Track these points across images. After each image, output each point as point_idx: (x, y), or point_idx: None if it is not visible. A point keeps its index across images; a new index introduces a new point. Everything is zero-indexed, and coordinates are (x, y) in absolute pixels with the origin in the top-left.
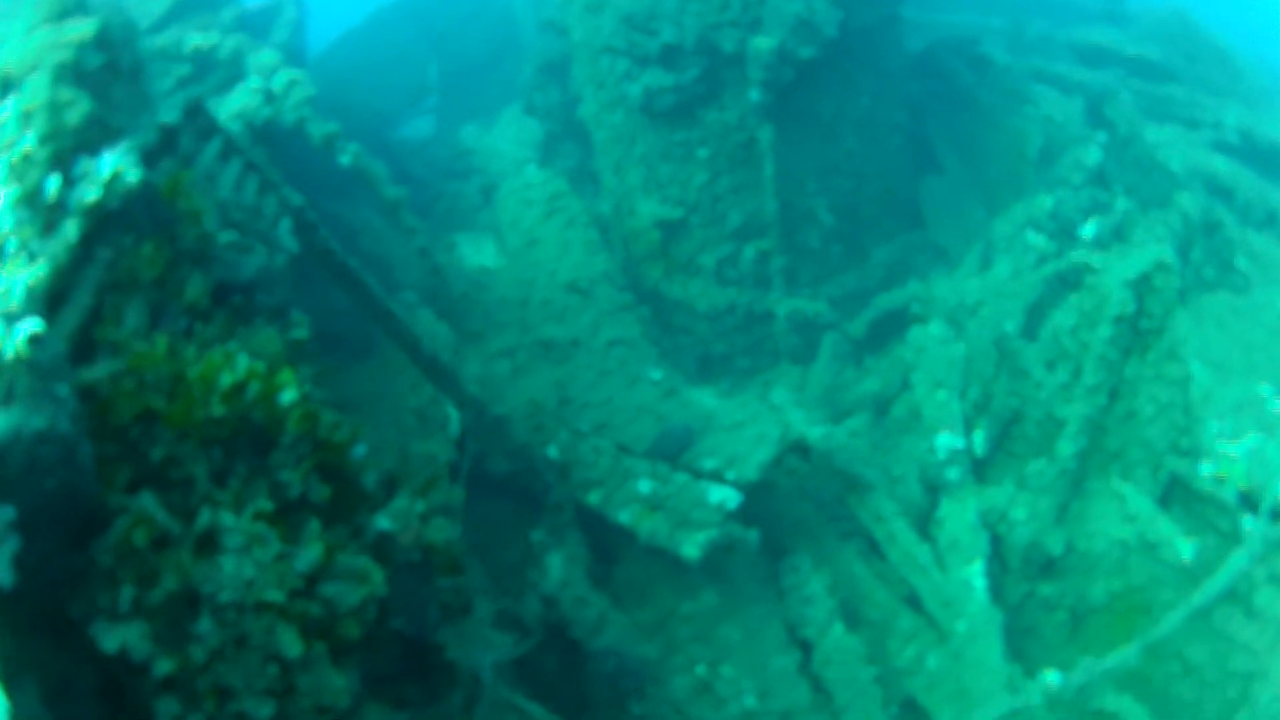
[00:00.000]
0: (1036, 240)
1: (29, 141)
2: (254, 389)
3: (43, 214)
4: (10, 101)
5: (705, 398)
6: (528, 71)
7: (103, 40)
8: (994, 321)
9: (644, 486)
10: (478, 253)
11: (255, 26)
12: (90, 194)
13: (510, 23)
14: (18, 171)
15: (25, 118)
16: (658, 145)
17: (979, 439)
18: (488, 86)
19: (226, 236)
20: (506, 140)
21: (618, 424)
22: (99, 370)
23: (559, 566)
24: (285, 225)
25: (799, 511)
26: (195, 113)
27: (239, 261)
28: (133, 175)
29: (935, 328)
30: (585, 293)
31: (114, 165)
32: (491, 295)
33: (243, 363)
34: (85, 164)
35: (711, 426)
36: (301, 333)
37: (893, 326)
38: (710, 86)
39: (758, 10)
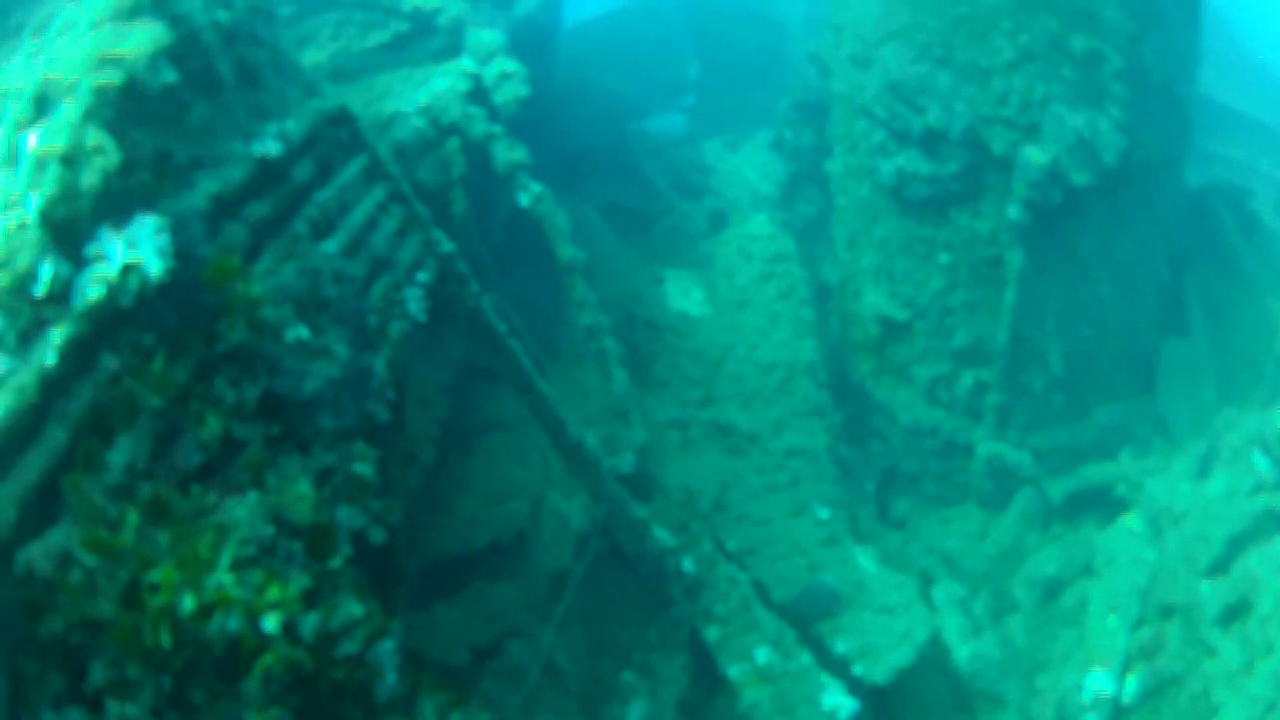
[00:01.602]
0: (1261, 464)
1: (29, 207)
2: (226, 624)
3: (28, 313)
4: (35, 134)
5: (865, 560)
6: (784, 105)
7: (183, 49)
8: (1190, 552)
9: (762, 655)
10: (684, 295)
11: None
12: (91, 291)
13: (781, 37)
14: (7, 250)
15: (39, 167)
16: (899, 234)
17: (1130, 686)
18: (747, 99)
19: (295, 333)
20: (750, 167)
21: (766, 557)
22: (46, 547)
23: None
24: (415, 292)
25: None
26: (339, 121)
27: (303, 370)
28: (155, 267)
29: (1134, 522)
30: (781, 382)
31: (129, 253)
32: (686, 345)
33: (217, 579)
34: (103, 241)
35: (861, 598)
36: (366, 468)
37: (1092, 499)
38: (969, 186)
39: (1037, 114)
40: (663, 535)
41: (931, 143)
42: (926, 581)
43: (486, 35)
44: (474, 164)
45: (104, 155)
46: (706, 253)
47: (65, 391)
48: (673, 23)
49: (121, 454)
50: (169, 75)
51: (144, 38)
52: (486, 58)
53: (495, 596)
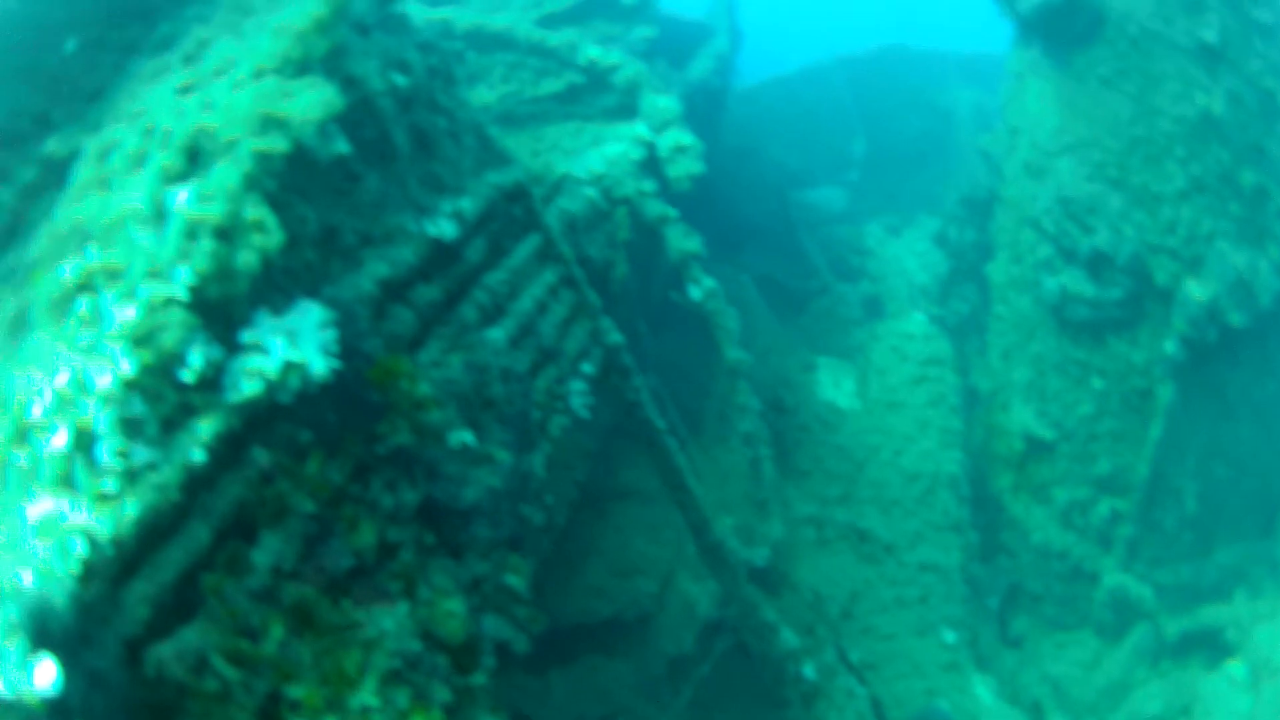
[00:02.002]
0: None
1: (178, 281)
2: None
3: (173, 398)
4: (185, 192)
5: (983, 690)
6: (951, 200)
7: (357, 115)
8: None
9: None
10: (835, 386)
11: (678, 47)
12: (246, 386)
13: (948, 122)
14: (150, 325)
15: (189, 235)
16: (1054, 353)
17: None
18: (910, 180)
19: (459, 437)
20: (911, 255)
21: (886, 674)
22: (179, 648)
23: None
24: (579, 386)
25: None
26: (515, 197)
27: (463, 477)
28: (318, 366)
29: (1238, 669)
30: (923, 493)
31: (292, 350)
32: (832, 439)
33: (362, 700)
34: (261, 329)
35: None
36: (518, 581)
37: (1204, 640)
38: (1129, 314)
39: (1202, 247)
40: (789, 638)
41: (1097, 265)
42: (1037, 714)
43: (663, 101)
44: (637, 228)
45: (264, 234)
46: (860, 342)
47: (210, 486)
48: (841, 95)
49: (267, 554)
50: (340, 145)
51: (314, 101)
52: (662, 125)
53: (610, 673)
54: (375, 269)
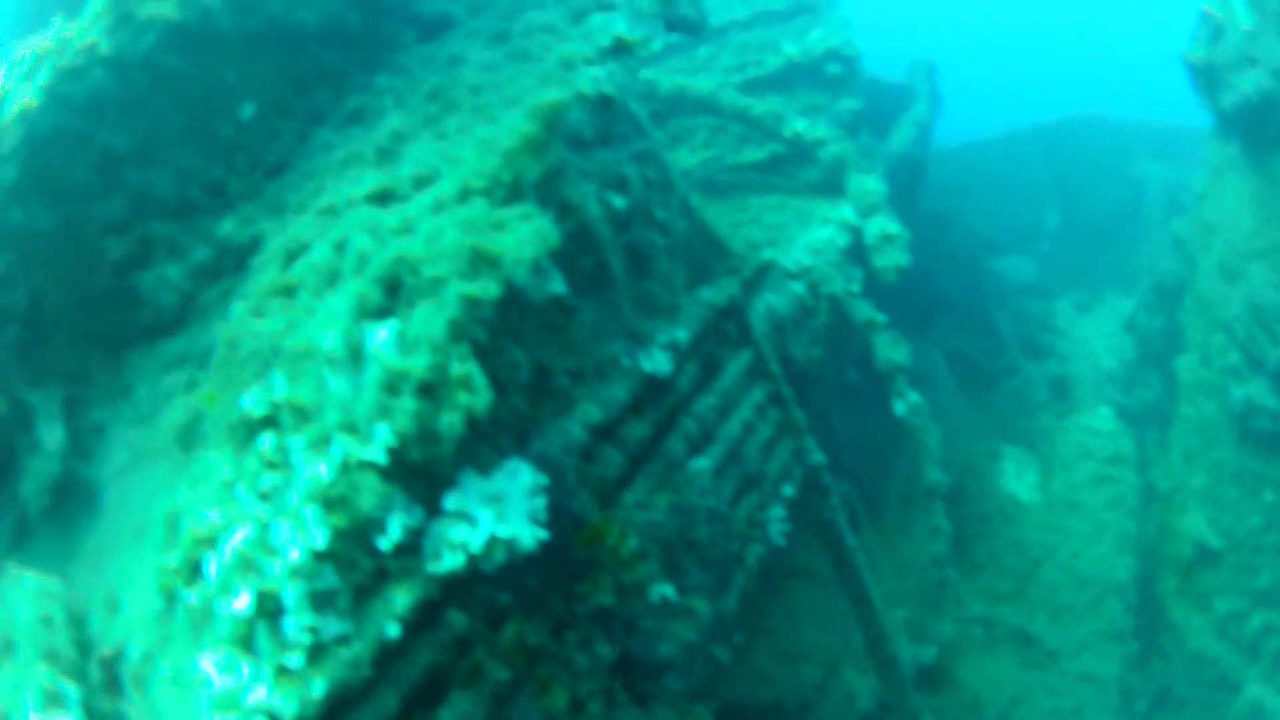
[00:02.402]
0: None
1: (377, 441)
2: None
3: (367, 565)
4: (385, 333)
5: None
6: (1142, 283)
7: (574, 246)
8: None
9: None
10: (1018, 478)
11: (880, 110)
12: (448, 559)
13: (1140, 195)
14: (344, 488)
15: (389, 388)
16: (1233, 462)
17: None
18: (1100, 254)
19: (659, 591)
20: (1099, 337)
21: None
22: None
23: None
24: (778, 513)
25: None
26: (729, 313)
27: (660, 632)
28: (526, 538)
29: None
30: (1093, 599)
31: (499, 524)
32: (1010, 533)
33: None
34: (467, 494)
35: None
36: None
37: None
38: None
39: None
40: None
41: None
42: None
43: (870, 183)
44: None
45: (471, 393)
46: (1045, 427)
47: (403, 654)
48: (1036, 164)
49: (454, 715)
50: (556, 285)
51: (527, 236)
52: (868, 209)
53: None
54: (587, 412)
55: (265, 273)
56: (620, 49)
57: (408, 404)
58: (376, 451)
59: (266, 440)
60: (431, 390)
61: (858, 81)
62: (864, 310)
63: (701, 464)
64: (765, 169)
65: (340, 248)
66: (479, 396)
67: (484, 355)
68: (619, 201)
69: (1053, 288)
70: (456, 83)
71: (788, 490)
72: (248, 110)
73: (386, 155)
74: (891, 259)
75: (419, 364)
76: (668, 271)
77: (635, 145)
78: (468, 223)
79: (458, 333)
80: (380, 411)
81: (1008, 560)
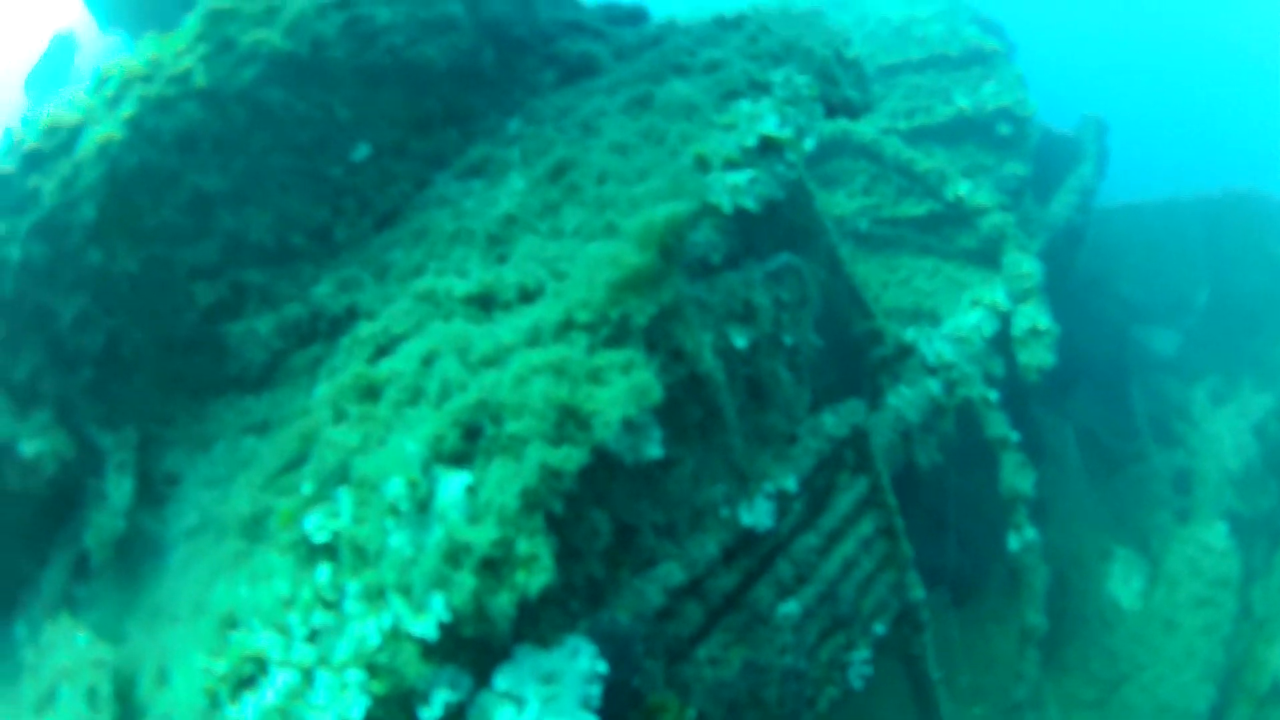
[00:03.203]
0: None
1: (431, 612)
2: None
3: None
4: (455, 487)
5: None
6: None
7: (681, 395)
8: None
9: None
10: (1124, 581)
11: (1047, 163)
12: None
13: None
14: (390, 654)
15: (450, 558)
16: None
17: None
18: (1246, 340)
19: None
20: (1230, 434)
21: None
22: None
23: None
24: (862, 656)
25: None
26: (852, 442)
27: None
28: None
29: None
30: None
31: (554, 712)
32: (1104, 640)
33: None
34: (521, 666)
35: None
36: None
37: None
38: None
39: None
40: None
41: None
42: None
43: (1026, 265)
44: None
45: (534, 574)
46: (1161, 527)
47: None
48: (1192, 236)
49: None
50: (653, 450)
51: (625, 393)
52: (1021, 295)
53: None
54: (669, 573)
55: (353, 361)
56: (768, 149)
57: (467, 580)
58: (428, 626)
59: (324, 573)
60: (494, 566)
61: (1027, 145)
62: (998, 425)
63: (790, 608)
64: (922, 227)
65: (428, 363)
66: (539, 578)
67: (560, 526)
68: (741, 340)
69: (1194, 366)
70: (584, 162)
71: (879, 628)
72: (361, 151)
73: (497, 243)
74: (1037, 358)
75: (484, 537)
76: (791, 398)
77: (772, 262)
78: (562, 368)
79: (532, 504)
80: (438, 581)
81: (1096, 668)
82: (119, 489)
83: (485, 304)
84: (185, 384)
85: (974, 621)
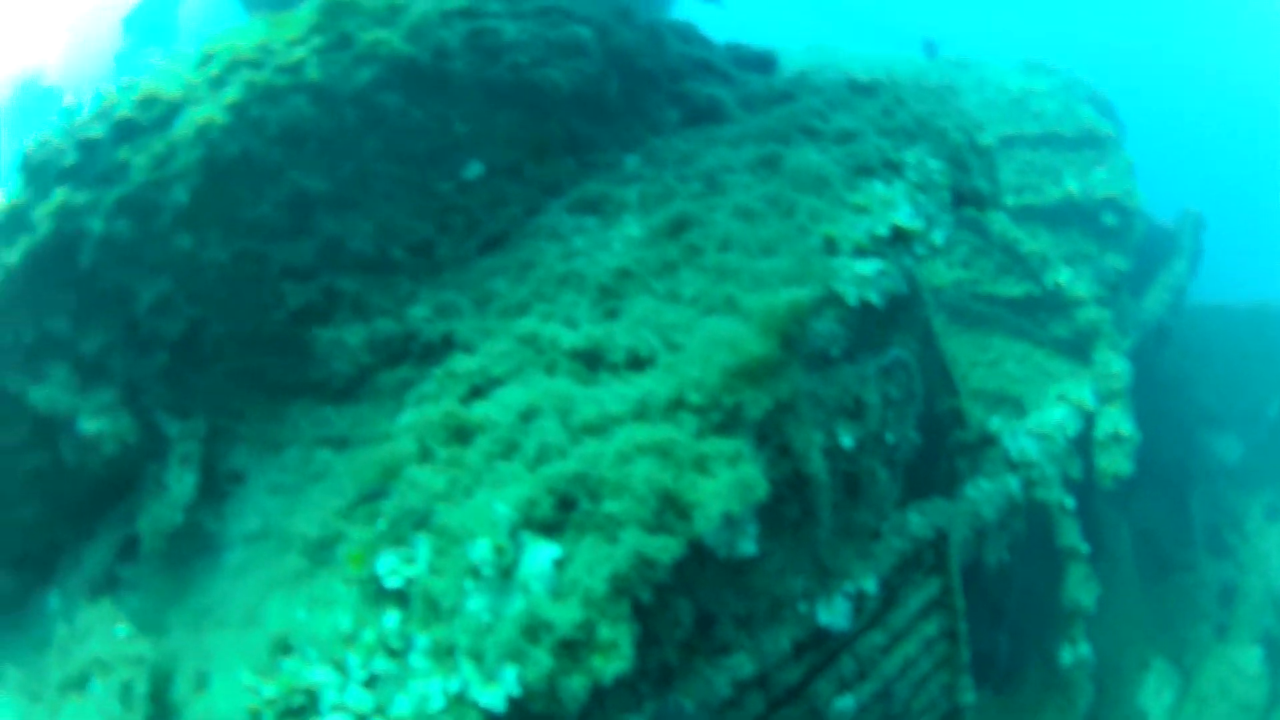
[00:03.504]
0: None
1: (501, 684)
2: None
3: None
4: (542, 559)
5: None
6: None
7: (784, 490)
8: None
9: None
10: (1155, 694)
11: (1145, 253)
12: None
13: None
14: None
15: (528, 632)
16: None
17: None
18: None
19: None
20: (1278, 555)
21: None
22: None
23: None
24: None
25: None
26: (931, 545)
27: None
28: None
29: None
30: None
31: None
32: None
33: None
34: None
35: None
36: None
37: None
38: None
39: None
40: None
41: None
42: None
43: (1115, 364)
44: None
45: (611, 661)
46: (1199, 642)
47: None
48: (1274, 346)
49: None
50: (747, 547)
51: (729, 488)
52: (1108, 396)
53: None
54: (740, 665)
55: (445, 397)
56: (898, 239)
57: (543, 658)
58: (496, 698)
59: (391, 619)
60: (572, 648)
61: (1131, 238)
62: (1071, 534)
63: (845, 703)
64: (1018, 308)
65: (527, 419)
66: (616, 665)
67: (644, 614)
68: (848, 440)
69: (1255, 478)
70: (707, 221)
71: None
72: (474, 169)
73: (608, 295)
74: (1116, 465)
75: (567, 617)
76: (883, 494)
77: (884, 356)
78: (667, 451)
79: (620, 590)
80: (513, 653)
81: None
82: (181, 482)
83: (591, 361)
84: (262, 381)
85: (1011, 710)
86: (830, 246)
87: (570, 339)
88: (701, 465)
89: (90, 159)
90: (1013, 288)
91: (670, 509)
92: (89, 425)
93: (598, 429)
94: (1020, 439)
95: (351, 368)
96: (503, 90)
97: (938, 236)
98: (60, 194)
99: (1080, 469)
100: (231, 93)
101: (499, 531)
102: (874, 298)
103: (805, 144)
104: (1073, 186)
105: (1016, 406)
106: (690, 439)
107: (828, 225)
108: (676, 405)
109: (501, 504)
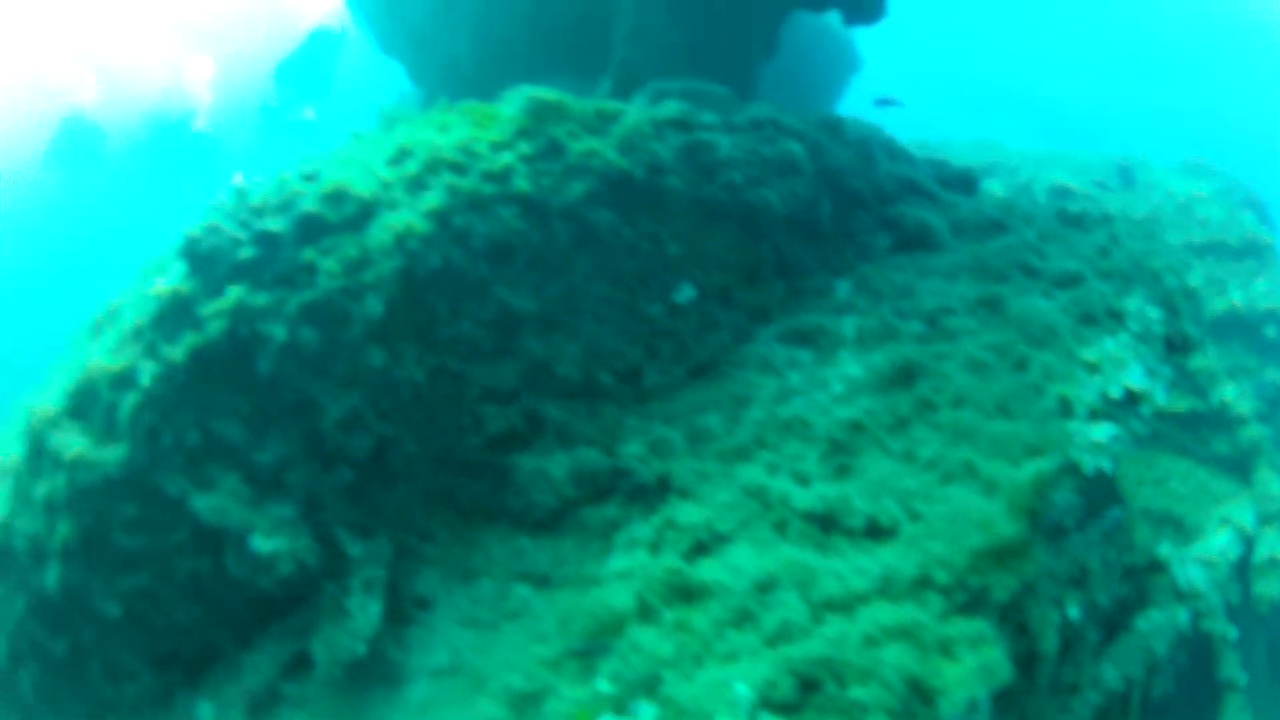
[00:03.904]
0: None
1: None
2: None
3: None
4: None
5: None
6: None
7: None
8: None
9: None
10: None
11: None
12: None
13: None
14: None
15: None
16: None
17: None
18: None
19: None
20: None
21: None
22: None
23: None
24: None
25: None
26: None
27: None
28: None
29: None
30: None
31: None
32: None
33: None
34: None
35: None
36: None
37: None
38: None
39: None
40: None
41: None
42: None
43: (1275, 485)
44: None
45: None
46: None
47: None
48: None
49: None
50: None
51: (973, 673)
52: (1266, 519)
53: None
54: None
55: (665, 550)
56: (1129, 401)
57: None
58: None
59: None
60: None
61: None
62: (1231, 666)
63: None
64: (1180, 424)
65: (764, 590)
66: None
67: None
68: (1074, 611)
69: None
70: (936, 372)
71: None
72: (686, 292)
73: (839, 450)
74: (1271, 591)
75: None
76: (1090, 652)
77: (1107, 520)
78: (914, 634)
79: None
80: None
81: None
82: (365, 611)
83: (825, 524)
84: (452, 502)
85: None
86: (1065, 408)
87: (803, 499)
88: (946, 648)
89: (270, 256)
90: (1179, 402)
91: (915, 695)
92: (264, 545)
93: (842, 607)
94: (1188, 567)
95: (554, 500)
96: (718, 210)
97: (1160, 395)
98: (235, 292)
99: (1238, 594)
100: (433, 199)
101: (738, 713)
102: (1106, 465)
103: (1025, 285)
104: (1237, 298)
105: (1179, 528)
106: (935, 620)
107: (1061, 385)
108: (921, 584)
109: (741, 684)
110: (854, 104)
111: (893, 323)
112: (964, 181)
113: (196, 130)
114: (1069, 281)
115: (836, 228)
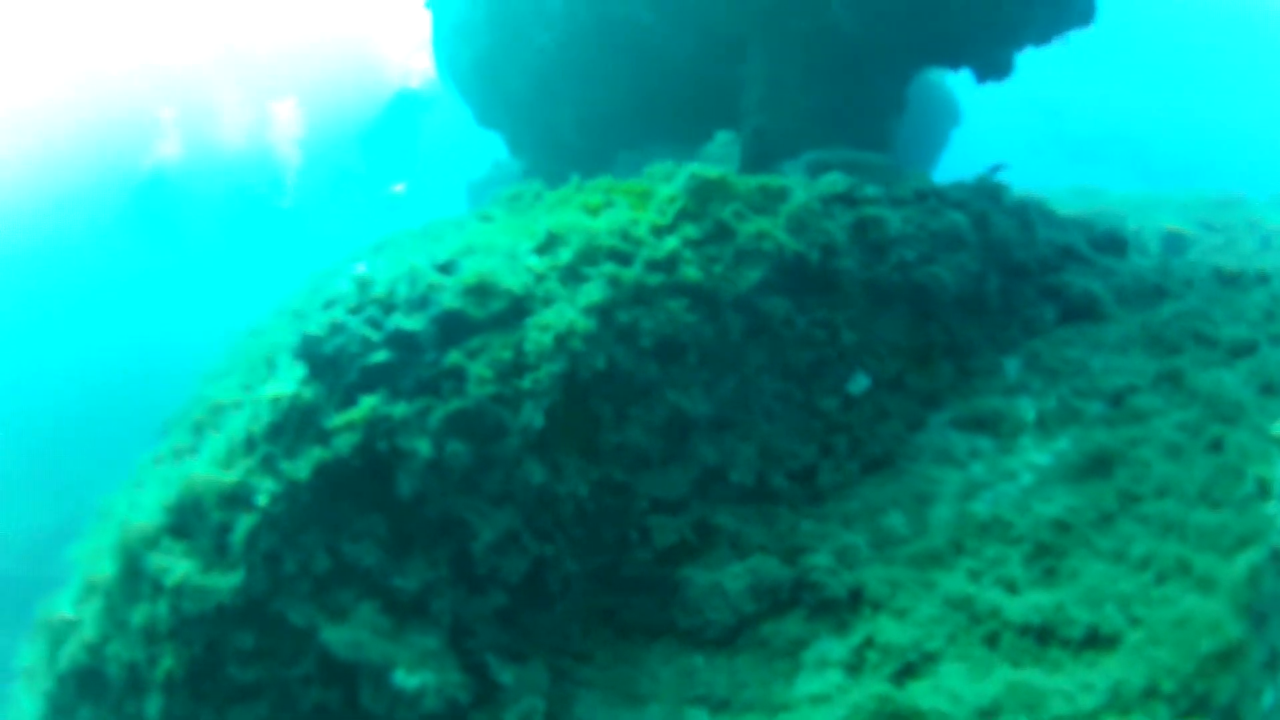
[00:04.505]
0: None
1: None
2: None
3: None
4: None
5: None
6: None
7: None
8: None
9: None
10: None
11: None
12: None
13: None
14: None
15: None
16: None
17: None
18: None
19: None
20: None
21: None
22: None
23: None
24: None
25: None
26: None
27: None
28: None
29: None
30: None
31: None
32: None
33: None
34: None
35: None
36: None
37: None
38: None
39: None
40: None
41: None
42: None
43: None
44: None
45: None
46: None
47: None
48: None
49: None
50: None
51: None
52: None
53: None
54: None
55: (868, 672)
56: None
57: None
58: None
59: None
60: None
61: None
62: None
63: None
64: None
65: (988, 718)
66: None
67: None
68: (1270, 698)
69: None
70: (1132, 459)
71: None
72: (861, 382)
73: (1045, 553)
74: None
75: None
76: None
77: None
78: None
79: None
80: None
81: None
82: None
83: (1043, 638)
84: (611, 620)
85: None
86: (1264, 490)
87: (1016, 609)
88: None
89: (408, 359)
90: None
91: None
92: (409, 681)
93: None
94: None
95: (730, 616)
96: (889, 290)
97: None
98: (369, 402)
99: None
100: (594, 292)
101: None
102: None
103: (1201, 355)
104: None
105: None
106: None
107: (1259, 465)
108: (1150, 694)
109: None
110: (954, 157)
111: (1073, 404)
112: (1114, 243)
113: (174, 178)
114: (1243, 350)
115: (1001, 301)
